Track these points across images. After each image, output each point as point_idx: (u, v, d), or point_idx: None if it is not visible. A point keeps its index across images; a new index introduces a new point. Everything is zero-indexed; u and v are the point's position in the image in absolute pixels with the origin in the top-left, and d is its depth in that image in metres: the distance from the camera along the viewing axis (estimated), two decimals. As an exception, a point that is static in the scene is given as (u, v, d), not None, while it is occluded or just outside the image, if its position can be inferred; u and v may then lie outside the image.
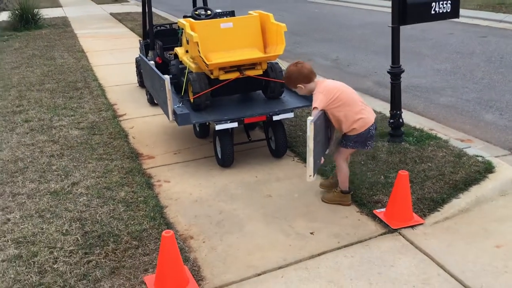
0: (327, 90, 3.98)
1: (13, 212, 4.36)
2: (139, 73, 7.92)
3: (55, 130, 6.33)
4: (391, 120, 5.40)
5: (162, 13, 18.02)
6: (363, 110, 4.06)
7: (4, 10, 15.14)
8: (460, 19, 12.82)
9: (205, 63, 4.85)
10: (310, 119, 3.62)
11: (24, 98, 7.76)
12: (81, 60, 10.55)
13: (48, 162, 5.38)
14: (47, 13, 17.83)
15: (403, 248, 3.71)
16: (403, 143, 5.36)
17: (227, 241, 3.88)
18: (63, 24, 16.33)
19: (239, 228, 4.06)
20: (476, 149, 5.31)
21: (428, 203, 4.22)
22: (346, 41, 11.84)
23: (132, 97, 7.80)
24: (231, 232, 4.01)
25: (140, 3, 9.10)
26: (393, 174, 4.64)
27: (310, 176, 3.75)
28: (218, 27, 5.12)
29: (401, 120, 5.39)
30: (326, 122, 4.08)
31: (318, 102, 3.94)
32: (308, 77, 4.09)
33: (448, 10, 5.09)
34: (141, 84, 7.98)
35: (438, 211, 4.15)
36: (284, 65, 5.27)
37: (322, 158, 3.99)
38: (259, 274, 3.49)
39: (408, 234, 3.87)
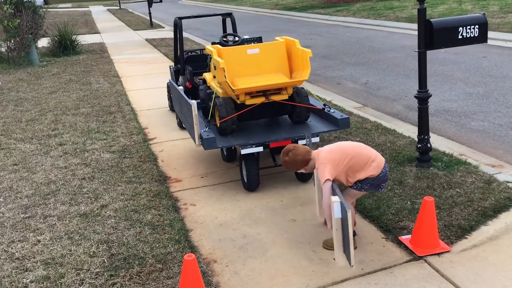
0: (328, 158, 3.76)
1: (43, 234, 4.48)
2: (170, 98, 8.09)
3: (87, 153, 6.51)
4: (419, 145, 5.35)
5: (196, 39, 18.40)
6: (372, 153, 3.87)
7: (44, 36, 15.72)
8: (494, 42, 12.69)
9: (231, 88, 4.93)
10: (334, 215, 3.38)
11: (59, 122, 8.01)
12: (115, 85, 10.84)
13: (79, 184, 5.52)
14: (85, 39, 18.47)
15: (428, 276, 3.64)
16: (431, 168, 5.29)
17: (250, 266, 3.89)
18: (100, 49, 16.84)
19: (262, 252, 4.06)
20: (507, 174, 5.20)
21: (455, 230, 4.14)
22: (377, 65, 11.81)
23: (163, 121, 7.96)
24: (254, 256, 4.02)
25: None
26: (420, 199, 4.58)
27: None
28: (244, 53, 5.22)
29: (429, 145, 5.33)
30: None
31: (327, 173, 3.69)
32: (305, 160, 3.85)
33: (476, 35, 5.04)
34: (172, 108, 8.14)
35: (466, 238, 4.06)
36: (310, 89, 5.30)
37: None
38: (280, 300, 3.49)
39: (434, 261, 3.79)
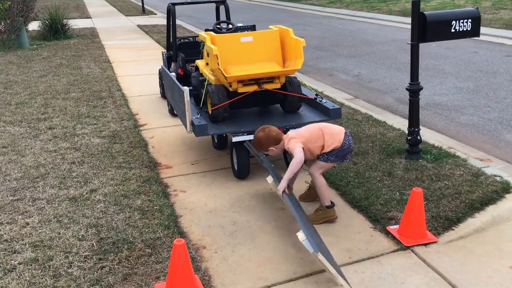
0: (298, 134, 4.17)
1: (32, 217, 4.47)
2: (162, 84, 8.05)
3: (77, 137, 6.47)
4: (409, 137, 5.39)
5: (188, 26, 18.29)
6: (335, 127, 4.26)
7: (34, 19, 15.55)
8: (486, 38, 12.76)
9: (224, 75, 4.93)
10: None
11: (49, 106, 7.95)
12: (106, 70, 10.77)
13: (68, 169, 5.50)
14: (76, 23, 18.29)
15: (415, 265, 3.68)
16: (420, 160, 5.33)
17: (238, 252, 3.91)
18: (92, 34, 16.70)
19: (251, 239, 4.08)
20: (495, 168, 5.26)
21: (442, 222, 4.19)
22: (369, 57, 11.84)
23: (154, 107, 7.93)
24: (243, 243, 4.04)
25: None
26: (408, 191, 4.62)
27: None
28: (238, 40, 5.21)
29: (419, 137, 5.37)
30: None
31: (298, 144, 4.06)
32: (278, 138, 4.18)
33: (469, 29, 5.07)
34: (163, 95, 8.11)
35: (453, 229, 4.11)
36: (303, 79, 5.31)
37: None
38: (268, 286, 3.50)
39: (421, 252, 3.84)
